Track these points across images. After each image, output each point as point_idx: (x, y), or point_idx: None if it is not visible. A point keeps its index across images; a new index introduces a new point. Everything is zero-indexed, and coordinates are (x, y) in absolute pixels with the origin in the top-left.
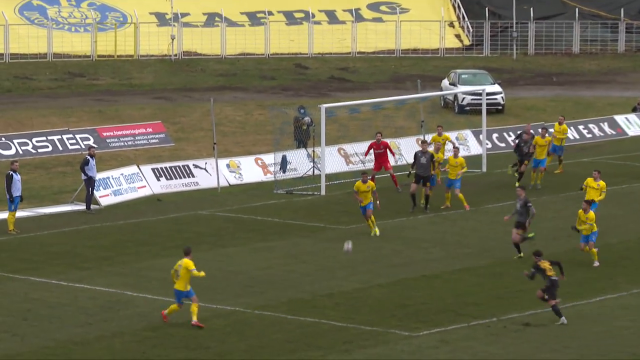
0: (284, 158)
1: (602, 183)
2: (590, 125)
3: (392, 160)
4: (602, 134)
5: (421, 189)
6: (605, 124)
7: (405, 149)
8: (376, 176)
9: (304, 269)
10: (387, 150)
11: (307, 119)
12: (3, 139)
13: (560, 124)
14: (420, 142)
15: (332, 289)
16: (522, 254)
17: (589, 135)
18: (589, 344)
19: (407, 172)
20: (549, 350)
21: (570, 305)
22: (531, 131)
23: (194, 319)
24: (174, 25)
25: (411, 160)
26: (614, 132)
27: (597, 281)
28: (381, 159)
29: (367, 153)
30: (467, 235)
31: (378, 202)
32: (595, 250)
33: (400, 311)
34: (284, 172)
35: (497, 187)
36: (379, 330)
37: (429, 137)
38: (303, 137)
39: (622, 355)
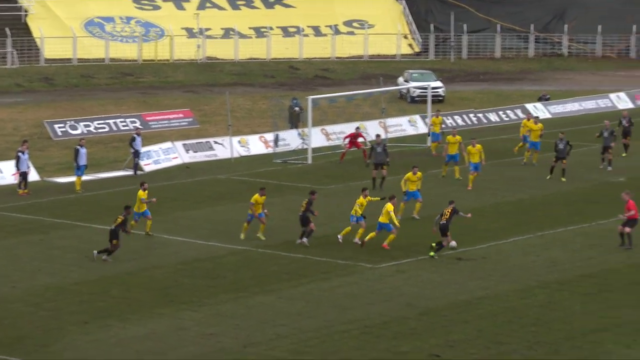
0: (276, 136)
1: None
2: (508, 111)
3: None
4: (516, 117)
5: (380, 172)
6: (519, 110)
7: (370, 130)
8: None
9: (295, 219)
10: (361, 137)
11: (296, 109)
12: (72, 121)
13: (535, 123)
14: (375, 135)
15: (315, 234)
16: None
17: (507, 119)
18: (506, 273)
19: (366, 163)
20: (476, 278)
21: (493, 244)
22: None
23: (365, 239)
24: (200, 37)
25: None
26: (525, 117)
27: (512, 227)
28: (355, 142)
29: (345, 137)
30: None
31: (266, 210)
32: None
33: (366, 249)
34: (277, 146)
35: (439, 158)
36: (350, 263)
37: (388, 121)
38: (295, 121)
39: (530, 282)
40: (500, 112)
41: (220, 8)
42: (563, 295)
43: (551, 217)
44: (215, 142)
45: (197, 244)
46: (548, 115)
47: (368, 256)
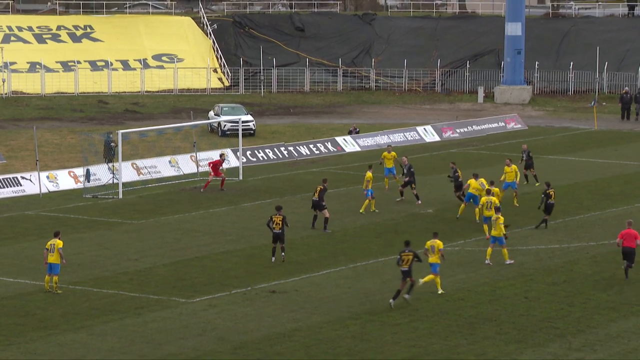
0: (87, 171)
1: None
2: (319, 144)
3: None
4: (327, 151)
5: (322, 214)
6: (329, 143)
7: (182, 163)
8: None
9: (106, 254)
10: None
11: (112, 144)
12: None
13: (508, 165)
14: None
15: (127, 269)
16: None
17: (317, 152)
18: (318, 305)
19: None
20: (289, 311)
21: (305, 277)
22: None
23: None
24: (4, 71)
25: (187, 170)
26: (335, 150)
27: (324, 259)
28: (217, 170)
29: (211, 164)
30: (229, 226)
31: None
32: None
33: (180, 284)
34: (89, 181)
35: (251, 191)
36: (163, 298)
37: (200, 155)
38: (109, 155)
39: (343, 313)
40: (311, 146)
41: (26, 42)
42: (374, 325)
43: (362, 248)
44: (23, 178)
45: (5, 282)
46: (357, 149)
47: (181, 291)
